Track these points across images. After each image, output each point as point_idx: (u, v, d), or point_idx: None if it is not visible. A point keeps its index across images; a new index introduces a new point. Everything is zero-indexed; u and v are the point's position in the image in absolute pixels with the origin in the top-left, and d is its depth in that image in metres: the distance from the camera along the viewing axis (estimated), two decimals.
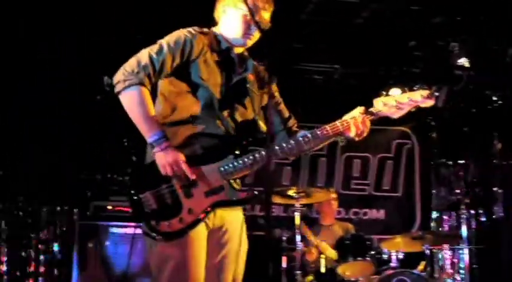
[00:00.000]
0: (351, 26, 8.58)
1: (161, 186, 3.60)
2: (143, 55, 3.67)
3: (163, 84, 3.79)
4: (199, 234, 3.65)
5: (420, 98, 3.65)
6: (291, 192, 7.45)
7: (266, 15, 3.83)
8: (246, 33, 3.85)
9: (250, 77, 3.94)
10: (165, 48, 3.68)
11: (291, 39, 8.77)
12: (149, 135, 3.58)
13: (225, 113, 3.78)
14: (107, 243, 7.34)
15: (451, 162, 10.87)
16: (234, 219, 3.82)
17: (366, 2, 8.02)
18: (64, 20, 7.54)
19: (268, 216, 3.04)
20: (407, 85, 9.71)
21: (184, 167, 3.55)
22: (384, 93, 3.72)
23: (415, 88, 3.69)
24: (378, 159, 10.60)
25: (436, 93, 3.69)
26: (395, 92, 3.70)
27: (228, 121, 3.79)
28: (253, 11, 3.75)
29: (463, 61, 9.24)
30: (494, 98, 10.57)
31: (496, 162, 10.94)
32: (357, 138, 3.74)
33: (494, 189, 10.86)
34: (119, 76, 3.64)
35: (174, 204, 3.59)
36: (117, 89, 3.63)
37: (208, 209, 3.63)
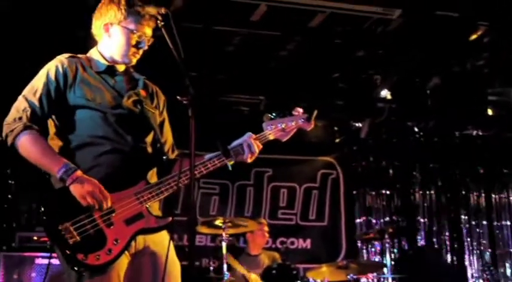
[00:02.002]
0: (276, 58, 8.75)
1: (80, 217, 3.40)
2: (19, 101, 3.61)
3: (52, 117, 3.67)
4: (123, 264, 3.52)
5: (301, 121, 3.90)
6: (218, 222, 7.49)
7: (149, 31, 3.75)
8: (133, 52, 3.77)
9: (142, 93, 3.84)
10: (40, 84, 3.62)
11: (217, 71, 8.87)
12: (55, 170, 3.44)
13: (124, 131, 3.65)
14: (33, 274, 7.23)
15: (374, 192, 11.11)
16: (157, 238, 3.66)
17: (290, 35, 8.19)
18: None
19: (192, 246, 3.04)
20: (330, 117, 9.86)
21: (105, 193, 3.42)
22: (269, 115, 3.89)
23: (294, 112, 3.89)
24: (304, 189, 10.71)
25: (313, 117, 3.89)
26: (277, 116, 3.90)
27: (130, 139, 3.65)
28: (137, 27, 3.72)
29: (385, 93, 9.49)
30: (416, 129, 10.87)
31: (417, 192, 11.25)
32: (249, 160, 3.81)
33: (417, 218, 11.16)
34: (4, 130, 3.57)
35: (97, 235, 3.41)
36: (8, 142, 3.55)
37: (132, 238, 3.51)
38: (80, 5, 6.39)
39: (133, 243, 3.55)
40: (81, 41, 4.12)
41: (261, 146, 3.82)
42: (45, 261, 7.18)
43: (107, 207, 3.45)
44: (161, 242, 3.66)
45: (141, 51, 3.81)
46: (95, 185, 3.42)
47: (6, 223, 8.19)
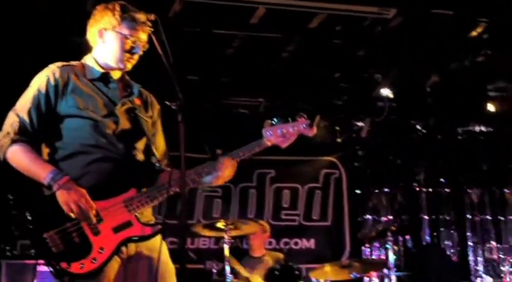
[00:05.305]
0: (276, 60, 8.76)
1: (66, 225, 3.40)
2: (9, 116, 3.63)
3: (44, 127, 3.66)
4: (113, 270, 3.51)
5: (302, 127, 3.84)
6: (219, 225, 7.48)
7: (143, 36, 3.74)
8: (128, 58, 3.77)
9: (136, 101, 3.85)
10: (29, 97, 3.63)
11: (217, 74, 8.90)
12: (43, 176, 3.45)
13: (116, 138, 3.65)
14: (35, 281, 7.23)
15: (377, 191, 11.11)
16: (150, 243, 3.65)
17: (289, 37, 8.21)
18: None
19: (183, 248, 3.06)
20: (331, 117, 9.82)
21: (90, 203, 3.42)
22: (270, 121, 3.84)
23: (297, 118, 3.84)
24: (307, 189, 10.70)
25: (315, 123, 3.85)
26: (278, 122, 3.85)
27: (121, 146, 3.66)
28: (131, 32, 3.72)
29: (387, 92, 9.49)
30: (418, 127, 10.86)
31: (421, 189, 11.26)
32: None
33: (421, 215, 11.16)
34: None
35: (82, 244, 3.41)
36: (1, 158, 3.60)
37: (119, 246, 3.50)
38: (76, 11, 6.43)
39: (124, 249, 3.56)
40: (77, 47, 4.13)
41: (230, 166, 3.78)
42: (47, 268, 7.17)
43: (91, 217, 3.43)
44: (154, 246, 3.66)
45: (136, 57, 3.81)
46: (81, 194, 3.42)
47: (7, 231, 8.19)
